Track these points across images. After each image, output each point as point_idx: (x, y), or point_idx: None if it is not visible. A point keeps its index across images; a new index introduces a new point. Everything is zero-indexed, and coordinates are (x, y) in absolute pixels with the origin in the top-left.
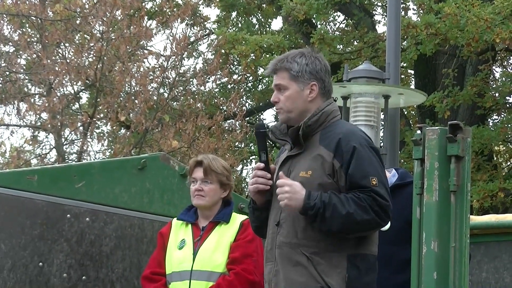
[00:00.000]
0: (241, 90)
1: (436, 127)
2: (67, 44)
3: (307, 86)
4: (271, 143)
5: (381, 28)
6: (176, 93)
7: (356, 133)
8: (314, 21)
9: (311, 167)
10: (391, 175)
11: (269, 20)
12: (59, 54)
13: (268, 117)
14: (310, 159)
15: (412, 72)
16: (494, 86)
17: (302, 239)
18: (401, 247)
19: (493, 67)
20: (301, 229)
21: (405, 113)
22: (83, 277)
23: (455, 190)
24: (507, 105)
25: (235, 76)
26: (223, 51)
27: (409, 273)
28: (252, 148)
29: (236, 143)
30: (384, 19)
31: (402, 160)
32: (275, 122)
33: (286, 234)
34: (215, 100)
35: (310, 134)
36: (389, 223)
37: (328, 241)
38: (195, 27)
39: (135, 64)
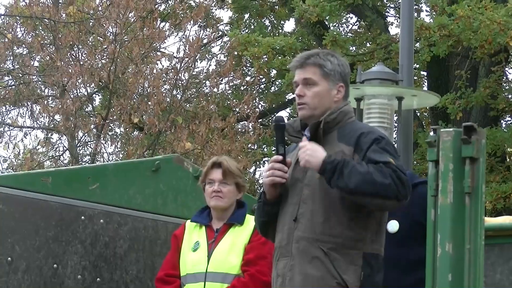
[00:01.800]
0: (254, 92)
1: (451, 129)
2: (80, 46)
3: (336, 86)
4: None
5: (393, 30)
6: (189, 95)
7: (375, 130)
8: (326, 23)
9: None
10: None
11: (282, 22)
12: (73, 56)
13: None
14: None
15: (425, 73)
16: (507, 87)
17: (320, 234)
18: (409, 247)
19: (506, 69)
20: (319, 224)
21: (418, 114)
22: (98, 279)
23: (469, 192)
24: None
25: (248, 78)
26: (236, 53)
27: (418, 273)
28: (265, 150)
29: (249, 145)
30: (397, 21)
31: (415, 162)
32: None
33: (304, 229)
34: (228, 102)
35: (327, 131)
36: (398, 226)
37: (346, 237)
38: (208, 29)
39: (148, 66)
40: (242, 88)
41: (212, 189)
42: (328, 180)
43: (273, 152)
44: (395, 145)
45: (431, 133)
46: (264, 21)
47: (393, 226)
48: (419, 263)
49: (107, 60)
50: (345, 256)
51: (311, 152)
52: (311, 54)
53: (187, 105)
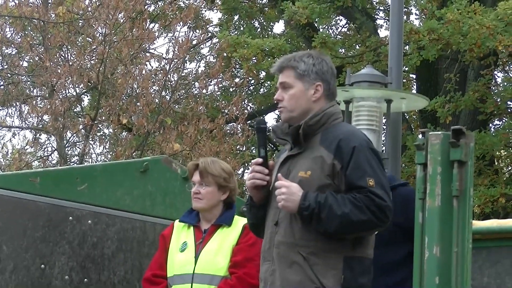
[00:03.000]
0: (243, 93)
1: (439, 132)
2: (69, 47)
3: (312, 86)
4: (272, 146)
5: (383, 33)
6: (178, 96)
7: (356, 134)
8: (316, 25)
9: (311, 168)
10: None
11: (271, 24)
12: (62, 57)
13: (270, 120)
14: (310, 159)
15: (414, 76)
16: (496, 91)
17: (300, 239)
18: (388, 248)
19: (495, 72)
20: (298, 229)
21: (407, 117)
22: (85, 280)
23: (457, 195)
24: (509, 110)
25: (237, 80)
26: (225, 54)
27: (399, 274)
28: (254, 151)
29: (238, 147)
30: (386, 24)
31: (404, 165)
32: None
33: (284, 233)
34: (217, 104)
35: (311, 134)
36: None
37: (325, 242)
38: (197, 30)
39: (137, 67)
40: (231, 89)
41: (192, 191)
42: (306, 223)
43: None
44: (384, 148)
45: (420, 136)
46: (254, 22)
47: None
48: (399, 263)
49: (96, 60)
50: (325, 260)
51: (287, 197)
52: (287, 58)
53: (176, 106)
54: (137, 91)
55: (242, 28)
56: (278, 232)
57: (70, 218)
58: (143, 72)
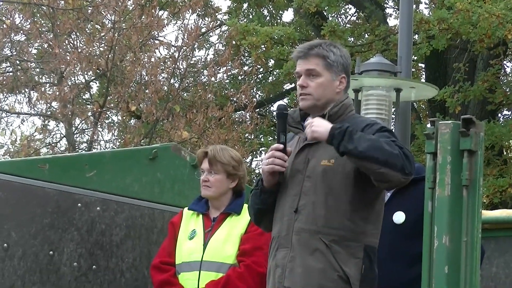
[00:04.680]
0: (252, 81)
1: (449, 121)
2: (78, 34)
3: (338, 77)
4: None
5: (392, 21)
6: (187, 84)
7: (379, 122)
8: (325, 13)
9: (334, 156)
10: None
11: (280, 12)
12: (71, 44)
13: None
14: (332, 148)
15: (423, 65)
16: (505, 81)
17: (322, 226)
18: (414, 241)
19: (504, 62)
20: (321, 216)
21: (416, 107)
22: (93, 266)
23: (467, 184)
24: None
25: (245, 68)
26: (234, 42)
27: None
28: (262, 139)
29: (246, 135)
30: (396, 13)
31: (413, 154)
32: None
33: (305, 220)
34: (226, 92)
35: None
36: (404, 217)
37: (347, 230)
38: (206, 18)
39: (146, 54)
40: (240, 77)
41: (201, 178)
42: (337, 144)
43: (270, 142)
44: None
45: (428, 125)
46: (263, 10)
47: (399, 217)
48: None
49: (105, 47)
50: (346, 249)
51: (317, 123)
52: (314, 45)
53: (185, 94)
54: (146, 78)
55: (251, 16)
56: (298, 219)
57: (79, 204)
58: (152, 59)
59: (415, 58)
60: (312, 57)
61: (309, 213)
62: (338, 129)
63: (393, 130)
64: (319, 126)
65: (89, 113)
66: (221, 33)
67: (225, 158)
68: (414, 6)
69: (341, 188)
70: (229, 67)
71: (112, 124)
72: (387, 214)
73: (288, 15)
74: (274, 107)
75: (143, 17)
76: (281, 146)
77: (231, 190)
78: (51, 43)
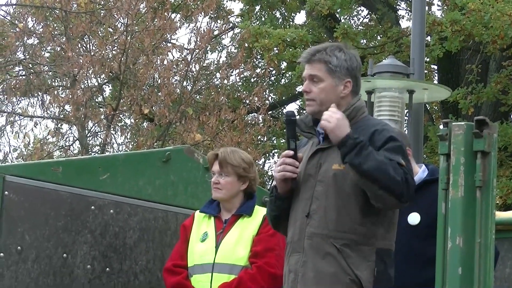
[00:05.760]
0: (264, 84)
1: (462, 123)
2: (91, 37)
3: (342, 82)
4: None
5: (404, 23)
6: (199, 87)
7: (390, 128)
8: (337, 15)
9: None
10: (421, 171)
11: (293, 14)
12: (83, 47)
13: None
14: None
15: (435, 67)
16: None
17: (334, 230)
18: (431, 242)
19: None
20: (332, 221)
21: (428, 108)
22: (107, 269)
23: (481, 185)
24: None
25: (258, 70)
26: (246, 44)
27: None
28: (275, 142)
29: (259, 137)
30: (408, 14)
31: (425, 155)
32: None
33: (317, 225)
34: (238, 94)
35: None
36: (419, 218)
37: (358, 234)
38: (219, 21)
39: (159, 57)
40: (252, 80)
41: (212, 181)
42: (344, 154)
43: (282, 144)
44: None
45: (441, 127)
46: (275, 13)
47: (414, 218)
48: None
49: (118, 51)
50: (358, 253)
51: (339, 122)
52: (318, 50)
53: (197, 97)
54: (159, 81)
55: (263, 19)
56: (310, 223)
57: (92, 207)
58: (165, 62)
59: (428, 60)
60: (315, 63)
61: (320, 217)
62: (352, 140)
63: (406, 132)
64: (338, 125)
65: (102, 116)
66: (233, 35)
67: (235, 160)
68: (427, 7)
69: (352, 192)
70: (241, 69)
71: (125, 127)
72: (402, 215)
73: (300, 18)
74: (287, 109)
75: (156, 20)
76: (291, 152)
77: (242, 192)
78: (63, 46)
